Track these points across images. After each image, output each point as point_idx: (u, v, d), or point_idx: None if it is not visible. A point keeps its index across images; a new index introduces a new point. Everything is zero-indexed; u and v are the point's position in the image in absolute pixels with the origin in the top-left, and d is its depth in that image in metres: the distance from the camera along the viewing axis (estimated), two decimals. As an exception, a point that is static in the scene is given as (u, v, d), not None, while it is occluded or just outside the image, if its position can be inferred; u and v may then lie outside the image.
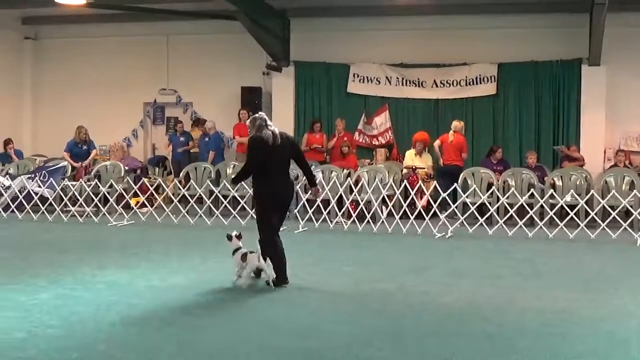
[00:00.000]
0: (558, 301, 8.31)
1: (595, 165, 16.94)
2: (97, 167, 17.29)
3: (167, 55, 20.55)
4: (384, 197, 14.92)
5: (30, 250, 11.62)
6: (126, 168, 17.52)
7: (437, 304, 8.17)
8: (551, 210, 14.14)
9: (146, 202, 15.48)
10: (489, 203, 14.45)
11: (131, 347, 6.43)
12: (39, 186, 16.12)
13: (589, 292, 8.85)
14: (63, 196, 15.85)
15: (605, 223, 13.55)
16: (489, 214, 14.21)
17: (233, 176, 10.32)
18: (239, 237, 9.16)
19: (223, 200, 15.33)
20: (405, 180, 15.46)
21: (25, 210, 15.68)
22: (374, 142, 18.91)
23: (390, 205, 14.82)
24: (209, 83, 19.98)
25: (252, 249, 8.91)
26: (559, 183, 15.47)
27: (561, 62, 17.82)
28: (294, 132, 19.37)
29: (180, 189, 15.60)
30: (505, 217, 14.22)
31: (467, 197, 14.72)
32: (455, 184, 14.60)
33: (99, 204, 15.45)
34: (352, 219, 14.67)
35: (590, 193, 14.48)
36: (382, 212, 14.70)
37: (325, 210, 14.67)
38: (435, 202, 14.36)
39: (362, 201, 14.89)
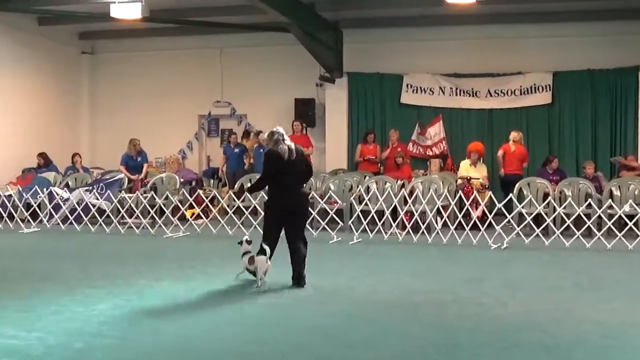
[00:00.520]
0: (617, 313, 8.16)
1: (653, 174, 16.65)
2: (152, 180, 17.46)
3: (221, 68, 20.73)
4: (438, 208, 14.82)
5: (88, 261, 11.77)
6: (181, 180, 17.68)
7: (492, 316, 8.08)
8: (609, 220, 13.92)
9: (201, 214, 15.59)
10: (545, 213, 14.26)
11: (187, 359, 6.47)
12: (97, 198, 16.33)
13: (648, 304, 8.70)
14: (120, 208, 16.03)
15: (665, 233, 13.31)
16: (545, 224, 14.04)
17: (249, 187, 11.06)
18: (249, 242, 10.01)
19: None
20: (460, 191, 15.36)
21: (84, 222, 15.89)
22: (428, 153, 18.84)
23: (445, 216, 14.71)
24: (263, 95, 20.11)
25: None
26: (616, 193, 15.21)
27: (618, 70, 17.58)
28: (347, 143, 19.42)
29: (235, 200, 15.68)
30: (562, 228, 14.04)
31: (522, 207, 14.54)
32: (511, 194, 14.45)
33: (155, 215, 15.61)
34: (406, 230, 14.59)
35: (650, 203, 14.23)
36: (436, 223, 14.61)
37: (379, 221, 14.63)
38: (490, 213, 14.23)
39: (416, 212, 14.81)
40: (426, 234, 14.27)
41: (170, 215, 15.62)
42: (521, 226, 14.13)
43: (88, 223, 15.84)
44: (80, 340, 6.91)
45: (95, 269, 10.91)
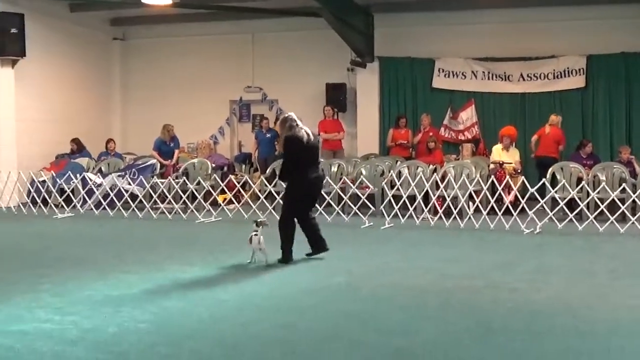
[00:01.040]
0: (652, 298, 8.08)
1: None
2: (184, 165, 17.53)
3: (252, 53, 20.76)
4: (470, 193, 14.75)
5: (121, 246, 11.87)
6: (213, 165, 17.73)
7: (526, 301, 8.03)
8: (644, 205, 13.78)
9: (233, 199, 15.63)
10: (579, 198, 14.12)
11: (218, 344, 6.49)
12: (129, 184, 16.44)
13: (684, 290, 8.60)
14: (152, 193, 16.11)
15: (701, 218, 13.16)
16: (578, 209, 13.91)
17: (278, 174, 11.14)
18: (258, 224, 10.09)
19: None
20: (492, 176, 15.28)
21: (117, 208, 16.01)
22: (460, 137, 18.76)
23: (477, 201, 14.63)
24: (294, 80, 20.10)
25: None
26: (651, 177, 15.07)
27: (652, 53, 17.39)
28: (378, 127, 19.38)
29: (266, 185, 15.70)
30: (596, 213, 13.91)
31: (556, 192, 14.42)
32: (544, 179, 14.32)
33: (187, 201, 15.68)
34: (438, 215, 14.54)
35: (684, 187, 14.07)
36: (469, 208, 14.54)
37: (411, 206, 14.59)
38: (523, 198, 14.13)
39: (448, 197, 14.74)
40: (458, 219, 14.20)
41: (202, 201, 15.67)
42: (554, 211, 14.04)
43: (121, 208, 15.96)
44: (114, 325, 6.96)
45: (128, 254, 11.00)
